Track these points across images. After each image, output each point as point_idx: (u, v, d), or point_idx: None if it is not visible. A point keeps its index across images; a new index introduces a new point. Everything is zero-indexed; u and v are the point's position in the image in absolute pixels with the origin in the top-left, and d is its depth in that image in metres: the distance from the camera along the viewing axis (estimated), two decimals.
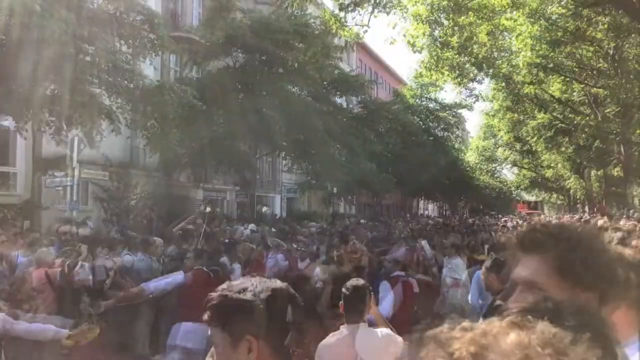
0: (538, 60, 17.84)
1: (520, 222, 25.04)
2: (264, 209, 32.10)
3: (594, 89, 23.98)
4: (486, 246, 11.41)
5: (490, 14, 16.47)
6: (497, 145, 48.98)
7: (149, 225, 17.72)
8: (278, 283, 1.77)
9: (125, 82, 13.79)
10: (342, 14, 12.86)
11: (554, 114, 31.61)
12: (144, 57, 14.61)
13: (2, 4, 10.73)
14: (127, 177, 19.52)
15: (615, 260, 1.28)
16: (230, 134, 20.76)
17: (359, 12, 12.84)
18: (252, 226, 15.67)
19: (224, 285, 1.73)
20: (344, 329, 3.73)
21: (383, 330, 3.82)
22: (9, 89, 11.63)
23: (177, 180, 23.95)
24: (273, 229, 13.93)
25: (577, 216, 25.53)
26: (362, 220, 21.83)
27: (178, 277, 6.23)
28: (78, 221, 15.43)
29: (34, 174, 13.58)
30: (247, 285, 1.69)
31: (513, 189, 72.99)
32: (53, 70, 12.06)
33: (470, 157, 53.44)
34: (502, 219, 34.66)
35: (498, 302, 4.55)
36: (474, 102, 33.00)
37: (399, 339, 3.81)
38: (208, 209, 26.92)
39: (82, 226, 14.08)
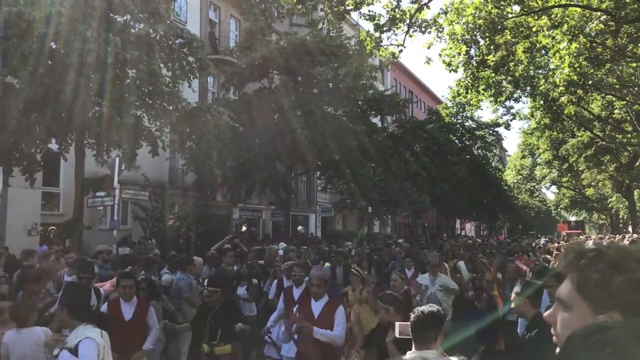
0: (576, 78, 17.51)
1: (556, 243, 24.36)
2: (299, 228, 32.20)
3: (636, 106, 23.41)
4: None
5: (527, 32, 16.31)
6: (535, 164, 48.04)
7: (187, 244, 17.94)
8: None
9: (165, 104, 14.12)
10: (377, 34, 12.88)
11: (595, 131, 30.93)
12: (182, 79, 14.94)
13: (51, 30, 11.15)
14: (165, 196, 19.86)
15: None
16: (265, 154, 20.97)
17: (394, 32, 12.84)
18: (282, 244, 15.73)
19: None
20: (410, 355, 3.61)
21: None
22: (55, 112, 12.02)
23: (213, 199, 24.25)
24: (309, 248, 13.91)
25: (619, 236, 24.76)
26: (399, 240, 21.61)
27: None
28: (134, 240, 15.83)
29: (76, 194, 13.93)
30: None
31: (553, 208, 71.36)
32: (97, 94, 12.44)
33: (509, 175, 52.45)
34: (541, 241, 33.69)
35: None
36: (511, 120, 32.61)
37: None
38: (244, 228, 27.20)
39: (122, 245, 14.36)
